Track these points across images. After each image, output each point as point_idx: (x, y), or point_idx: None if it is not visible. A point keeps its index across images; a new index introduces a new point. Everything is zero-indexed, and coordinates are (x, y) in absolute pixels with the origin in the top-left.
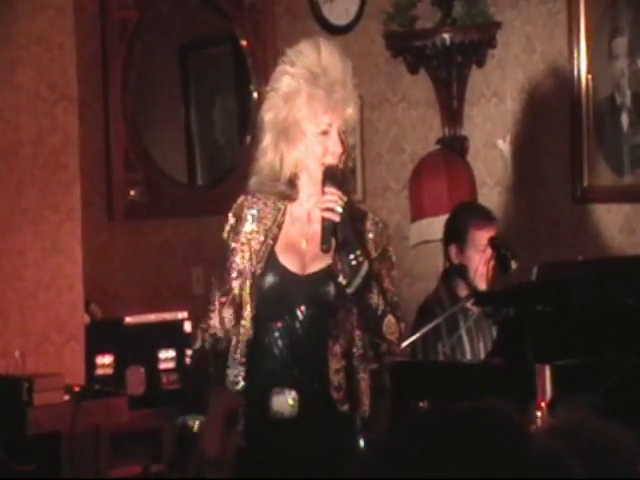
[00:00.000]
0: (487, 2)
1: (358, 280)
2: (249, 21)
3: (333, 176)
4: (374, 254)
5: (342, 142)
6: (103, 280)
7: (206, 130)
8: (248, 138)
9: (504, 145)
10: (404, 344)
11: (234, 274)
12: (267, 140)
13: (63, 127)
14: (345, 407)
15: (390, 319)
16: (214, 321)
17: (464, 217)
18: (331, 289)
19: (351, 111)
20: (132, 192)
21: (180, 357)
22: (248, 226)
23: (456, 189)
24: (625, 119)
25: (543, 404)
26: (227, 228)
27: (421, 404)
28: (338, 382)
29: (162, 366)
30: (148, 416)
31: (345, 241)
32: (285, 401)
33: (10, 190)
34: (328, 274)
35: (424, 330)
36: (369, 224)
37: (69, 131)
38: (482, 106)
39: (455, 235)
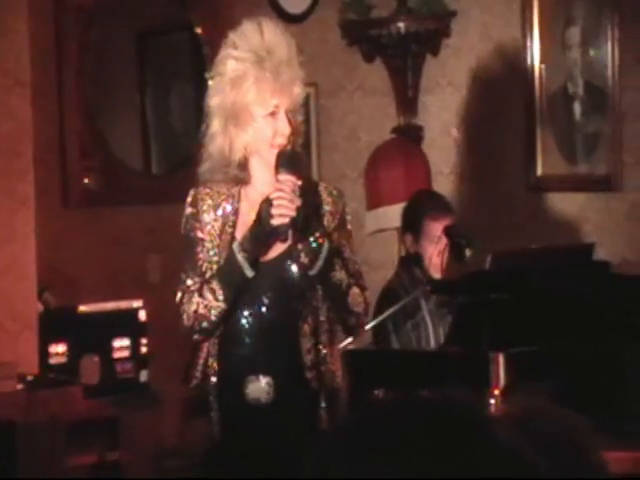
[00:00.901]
0: None
1: (320, 262)
2: (206, 9)
3: (286, 161)
4: (332, 225)
5: (290, 122)
6: (57, 268)
7: (162, 117)
8: (204, 125)
9: (460, 134)
10: (367, 327)
11: (201, 264)
12: (215, 125)
13: (17, 114)
14: (316, 385)
15: (354, 290)
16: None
17: (420, 207)
18: (295, 271)
19: (298, 90)
20: (87, 180)
21: (135, 346)
22: (207, 216)
23: (412, 177)
24: (578, 108)
25: (497, 391)
26: (184, 220)
27: (376, 392)
28: (310, 361)
29: (117, 355)
30: (103, 405)
31: (305, 224)
32: (261, 387)
33: None
34: (290, 256)
35: (389, 312)
36: (325, 195)
37: (23, 118)
38: (437, 95)
39: (410, 225)
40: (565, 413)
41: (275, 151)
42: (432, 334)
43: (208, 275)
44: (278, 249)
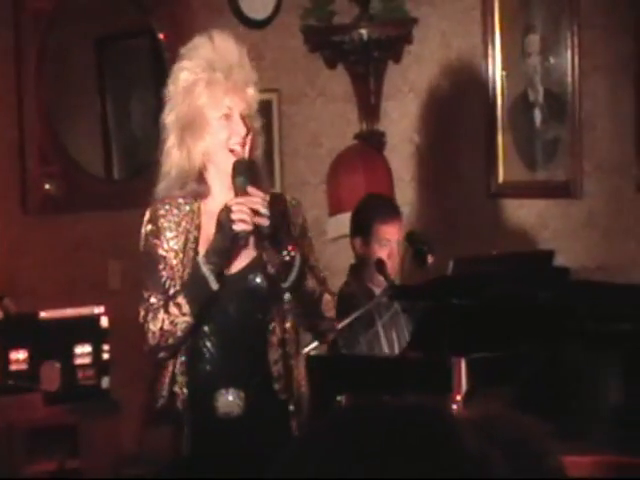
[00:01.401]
0: None
1: (294, 274)
2: (166, 14)
3: (242, 169)
4: (295, 234)
5: (246, 124)
6: (18, 274)
7: (123, 123)
8: (161, 143)
9: (422, 140)
10: (311, 346)
11: (164, 281)
12: (171, 140)
13: None
14: (285, 395)
15: (326, 297)
16: (162, 321)
17: (369, 211)
18: (261, 282)
19: (252, 93)
20: (47, 185)
21: (96, 352)
22: (168, 233)
23: (373, 184)
24: (538, 115)
25: (459, 397)
26: (143, 238)
27: (339, 398)
28: (278, 372)
29: (78, 361)
30: (63, 412)
31: (274, 235)
32: (231, 401)
33: None
34: (254, 267)
35: (344, 323)
36: (291, 205)
37: None
38: (399, 101)
39: (360, 228)
40: (522, 418)
41: (232, 156)
42: (385, 346)
43: (172, 292)
44: (242, 261)
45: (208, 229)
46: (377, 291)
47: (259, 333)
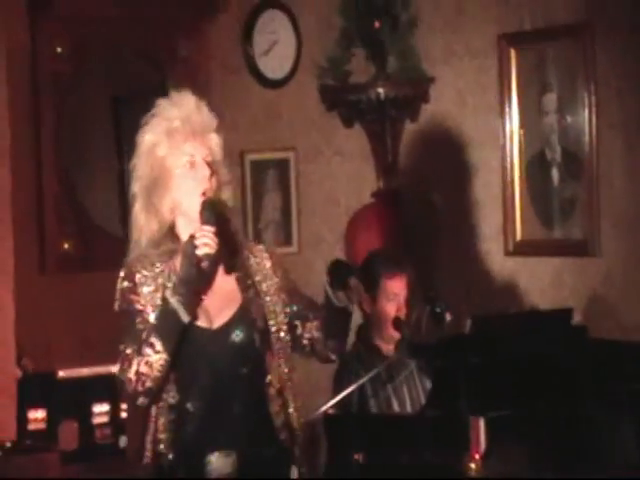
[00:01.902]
0: (420, 57)
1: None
2: (183, 73)
3: (208, 207)
4: (277, 279)
5: (210, 167)
6: (35, 334)
7: None
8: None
9: (438, 198)
10: (327, 405)
11: (140, 333)
12: (137, 207)
13: None
14: (288, 443)
15: (317, 324)
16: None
17: (375, 267)
18: (247, 335)
19: (214, 138)
20: (65, 245)
21: (114, 411)
22: (145, 288)
23: (391, 242)
24: (555, 174)
25: (477, 456)
26: (119, 295)
27: (356, 456)
28: (281, 423)
29: (96, 420)
30: (81, 471)
31: (231, 261)
32: (225, 463)
33: None
34: (239, 321)
35: (347, 392)
36: (263, 254)
37: (1, 184)
38: (416, 160)
39: (367, 286)
40: None
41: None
42: (397, 406)
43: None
44: (226, 313)
45: None
46: (386, 348)
47: (248, 388)
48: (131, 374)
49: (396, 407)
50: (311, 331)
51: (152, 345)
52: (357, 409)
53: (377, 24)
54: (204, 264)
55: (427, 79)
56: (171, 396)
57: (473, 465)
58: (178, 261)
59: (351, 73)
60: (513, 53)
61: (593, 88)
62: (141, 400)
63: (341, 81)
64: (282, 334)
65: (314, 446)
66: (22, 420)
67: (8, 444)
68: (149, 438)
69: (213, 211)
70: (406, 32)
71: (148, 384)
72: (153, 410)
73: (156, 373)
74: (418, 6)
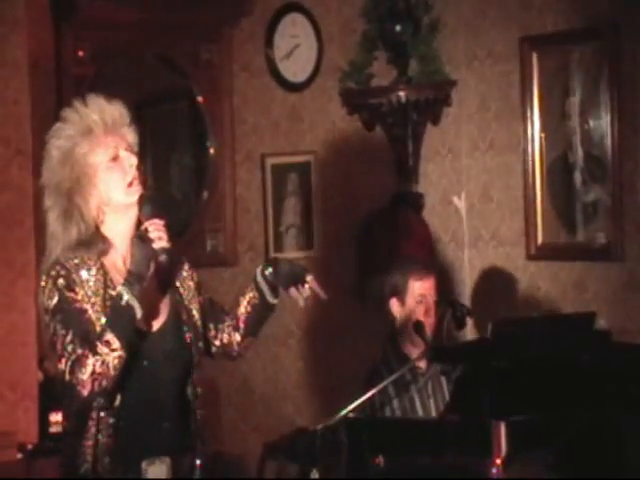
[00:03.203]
0: (442, 61)
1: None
2: (206, 78)
3: (150, 200)
4: (195, 279)
5: (134, 155)
6: None
7: (162, 186)
8: (205, 194)
9: (460, 202)
10: (348, 409)
11: (87, 332)
12: (51, 218)
13: (18, 183)
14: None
15: (236, 337)
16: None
17: (403, 269)
18: (181, 339)
19: (130, 131)
20: None
21: None
22: (84, 286)
23: (413, 245)
24: (578, 177)
25: (499, 460)
26: (56, 294)
27: (377, 460)
28: (200, 428)
29: None
30: None
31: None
32: (160, 470)
33: None
34: (173, 324)
35: (371, 393)
36: (185, 265)
37: (24, 187)
38: (437, 163)
39: (395, 288)
40: None
41: (132, 190)
42: (420, 410)
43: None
44: (159, 320)
45: (118, 281)
46: (415, 353)
47: (178, 393)
48: (85, 375)
49: (419, 411)
50: (223, 333)
51: (108, 343)
52: (371, 413)
53: (399, 27)
54: (162, 258)
55: (449, 82)
56: (115, 399)
57: (495, 469)
58: (110, 262)
59: (373, 76)
60: (535, 56)
61: (616, 91)
62: (97, 401)
63: (362, 84)
64: (201, 341)
65: (335, 449)
66: (44, 423)
67: (30, 446)
68: (89, 442)
69: (154, 204)
70: (428, 35)
71: (104, 383)
72: (94, 413)
73: (112, 372)
74: (440, 9)
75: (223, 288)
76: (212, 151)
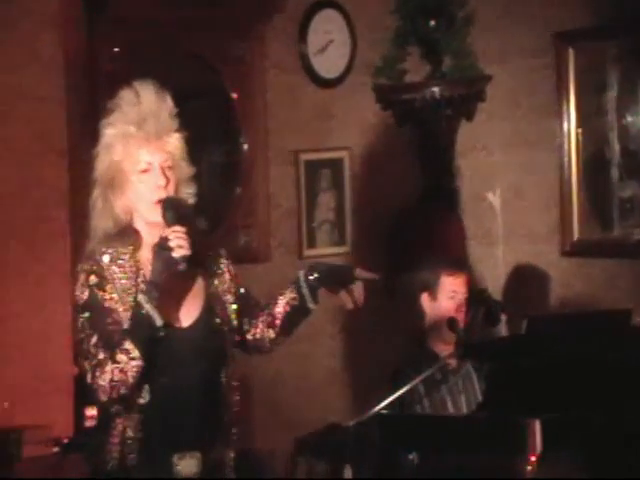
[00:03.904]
0: (476, 56)
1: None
2: (238, 73)
3: (169, 206)
4: (234, 283)
5: (165, 176)
6: None
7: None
8: (237, 190)
9: (494, 198)
10: (379, 406)
11: (111, 335)
12: (94, 195)
13: (52, 179)
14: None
15: (270, 334)
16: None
17: (435, 264)
18: (215, 333)
19: (172, 141)
20: None
21: None
22: (117, 286)
23: (446, 241)
24: (614, 173)
25: (533, 458)
26: (87, 291)
27: (410, 457)
28: (236, 417)
29: None
30: None
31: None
32: (190, 465)
33: None
34: (207, 319)
35: (402, 391)
36: (222, 257)
37: (58, 183)
38: (471, 159)
39: (426, 283)
40: None
41: (158, 208)
42: (451, 408)
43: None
44: (192, 312)
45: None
46: (444, 350)
47: (209, 387)
48: (105, 382)
49: (450, 408)
50: (257, 328)
51: (127, 352)
52: (401, 410)
53: (432, 23)
54: (181, 266)
55: (483, 78)
56: (142, 396)
57: (529, 467)
58: (143, 256)
59: (406, 72)
60: (570, 51)
61: None
62: (116, 407)
63: (396, 80)
64: (235, 334)
65: (367, 446)
66: (79, 417)
67: (65, 440)
68: (116, 440)
69: (176, 210)
70: (461, 30)
71: (122, 391)
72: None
73: (130, 380)
74: (474, 4)
75: (255, 284)
76: (245, 147)
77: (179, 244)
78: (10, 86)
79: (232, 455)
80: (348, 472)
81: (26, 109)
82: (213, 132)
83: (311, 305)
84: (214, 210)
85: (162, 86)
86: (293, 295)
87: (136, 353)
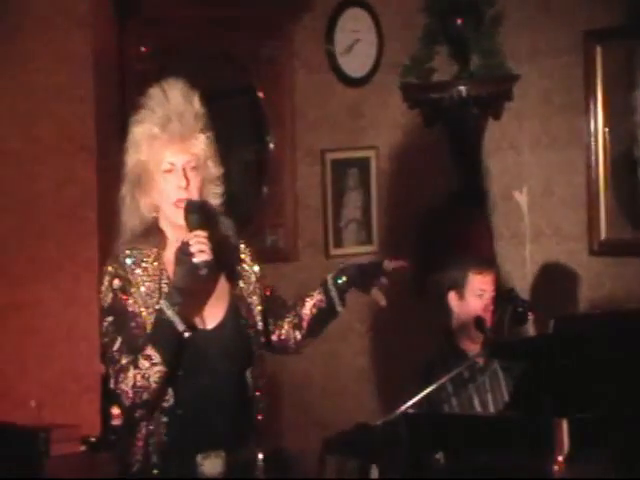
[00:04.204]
0: (504, 55)
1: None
2: (266, 73)
3: (196, 209)
4: (258, 280)
5: (186, 177)
6: None
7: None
8: (265, 189)
9: (522, 197)
10: (407, 405)
11: (134, 340)
12: (123, 191)
13: (82, 178)
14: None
15: (296, 334)
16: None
17: (463, 263)
18: (241, 334)
19: (197, 143)
20: None
21: None
22: (141, 289)
23: (474, 241)
24: None
25: (561, 458)
26: (111, 294)
27: (437, 456)
28: (261, 419)
29: None
30: None
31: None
32: (215, 464)
33: (28, 241)
34: (232, 320)
35: (430, 389)
36: (247, 252)
37: (88, 182)
38: (499, 158)
39: (454, 281)
40: None
41: (179, 210)
42: (479, 406)
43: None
44: (217, 313)
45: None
46: (473, 348)
47: (236, 387)
48: (128, 387)
49: (478, 407)
50: (282, 329)
51: (149, 357)
52: (429, 409)
53: (461, 21)
54: (203, 272)
55: (511, 77)
56: (166, 399)
57: (556, 467)
58: (167, 257)
59: (434, 71)
60: (599, 50)
61: None
62: (139, 413)
63: (423, 79)
64: (261, 335)
65: (395, 445)
66: (106, 415)
67: (93, 439)
68: (140, 443)
69: (199, 214)
70: (490, 29)
71: (145, 396)
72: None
73: (153, 385)
74: (503, 3)
75: (283, 283)
76: (272, 146)
77: (200, 249)
78: (41, 86)
79: (260, 455)
80: (374, 472)
81: (57, 108)
82: (241, 131)
83: (339, 308)
84: (242, 210)
85: (191, 86)
86: (320, 297)
87: (158, 359)
